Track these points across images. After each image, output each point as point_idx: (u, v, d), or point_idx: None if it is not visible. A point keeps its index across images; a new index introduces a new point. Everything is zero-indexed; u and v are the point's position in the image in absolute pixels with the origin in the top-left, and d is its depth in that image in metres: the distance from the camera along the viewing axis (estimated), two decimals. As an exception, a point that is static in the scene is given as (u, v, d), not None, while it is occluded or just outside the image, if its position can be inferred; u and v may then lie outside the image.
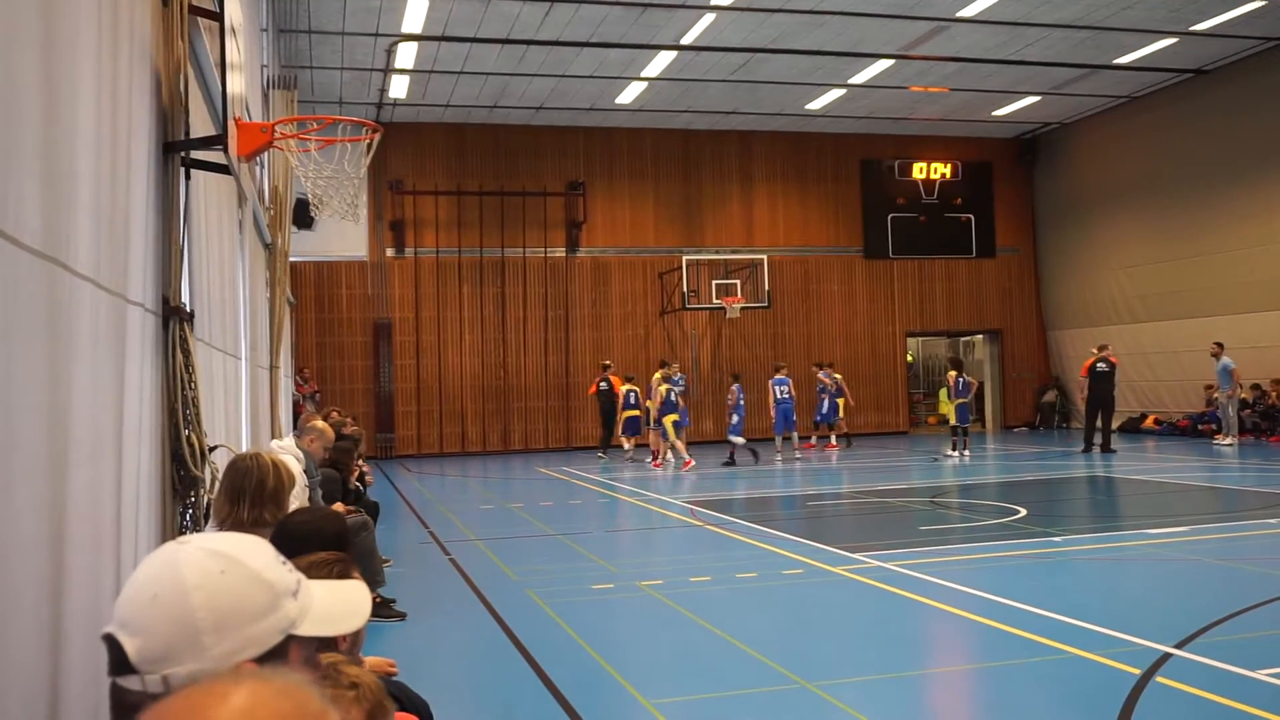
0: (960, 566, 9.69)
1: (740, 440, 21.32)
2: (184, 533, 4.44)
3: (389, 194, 26.17)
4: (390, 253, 26.22)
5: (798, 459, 22.11)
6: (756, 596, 8.77)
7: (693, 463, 20.62)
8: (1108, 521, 12.67)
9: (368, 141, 8.76)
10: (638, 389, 22.91)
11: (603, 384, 24.00)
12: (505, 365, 26.69)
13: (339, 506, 8.52)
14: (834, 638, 7.35)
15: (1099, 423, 20.87)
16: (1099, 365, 21.11)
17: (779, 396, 22.61)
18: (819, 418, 24.25)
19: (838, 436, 24.48)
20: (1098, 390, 20.97)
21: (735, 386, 21.54)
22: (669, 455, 21.48)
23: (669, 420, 20.88)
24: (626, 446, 22.77)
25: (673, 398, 21.08)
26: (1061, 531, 11.59)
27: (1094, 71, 24.46)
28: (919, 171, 29.72)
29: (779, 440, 22.69)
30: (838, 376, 24.37)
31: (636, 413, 22.48)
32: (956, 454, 21.24)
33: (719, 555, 10.78)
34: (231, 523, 4.25)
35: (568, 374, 26.87)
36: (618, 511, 15.45)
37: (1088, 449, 20.35)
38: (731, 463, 21.01)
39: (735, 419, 21.31)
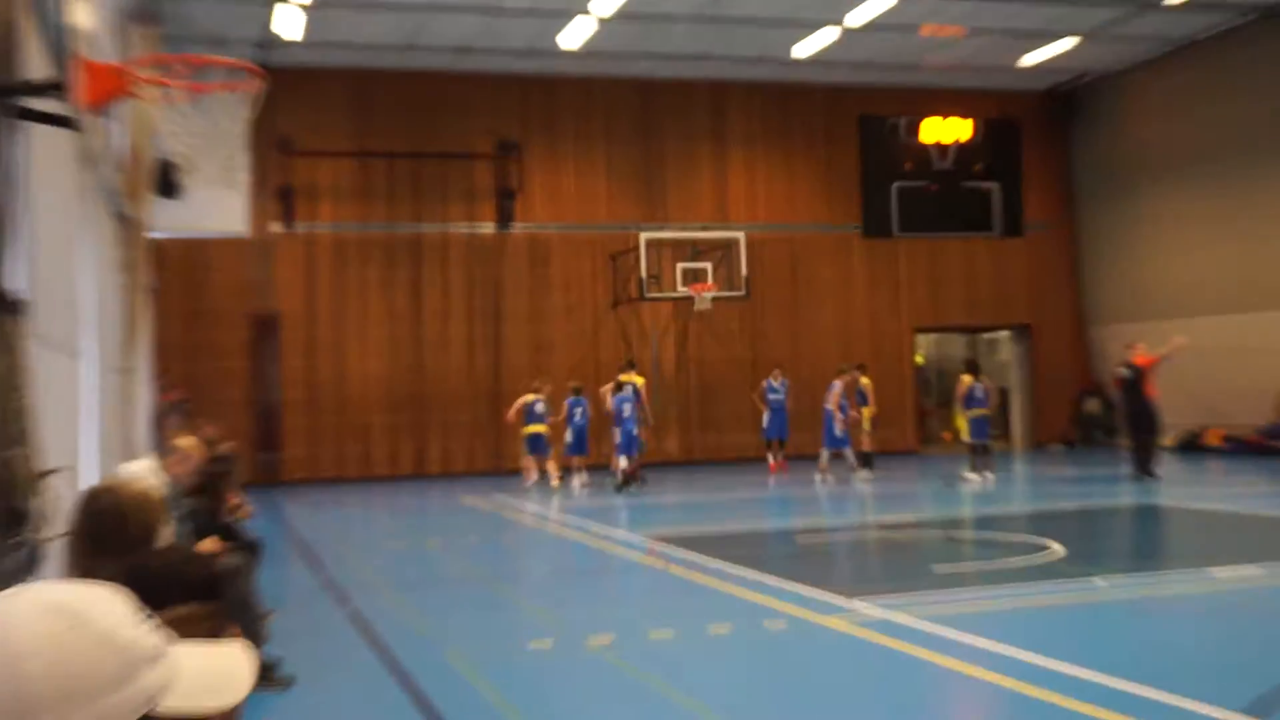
0: (982, 616, 9.73)
1: (623, 462, 21.79)
2: (14, 582, 4.35)
3: (276, 155, 25.92)
4: (277, 228, 26.00)
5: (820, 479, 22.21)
6: (731, 656, 8.75)
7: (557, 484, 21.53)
8: (1162, 560, 12.82)
9: (250, 90, 8.67)
10: (544, 399, 22.99)
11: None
12: (421, 368, 26.55)
13: (209, 545, 8.42)
14: (827, 708, 7.35)
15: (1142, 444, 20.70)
16: (1120, 370, 21.32)
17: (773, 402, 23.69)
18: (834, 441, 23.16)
19: (859, 455, 23.94)
20: (1124, 402, 21.23)
21: (616, 398, 21.86)
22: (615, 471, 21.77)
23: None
24: (529, 478, 23.19)
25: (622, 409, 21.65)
26: (1106, 572, 11.69)
27: (1144, 9, 24.75)
28: (930, 132, 29.95)
29: (824, 456, 22.56)
30: (865, 382, 23.98)
31: (542, 428, 22.62)
32: (977, 477, 21.42)
33: (685, 604, 10.76)
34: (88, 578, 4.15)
35: (499, 379, 26.78)
36: (561, 550, 15.38)
37: (1138, 475, 20.33)
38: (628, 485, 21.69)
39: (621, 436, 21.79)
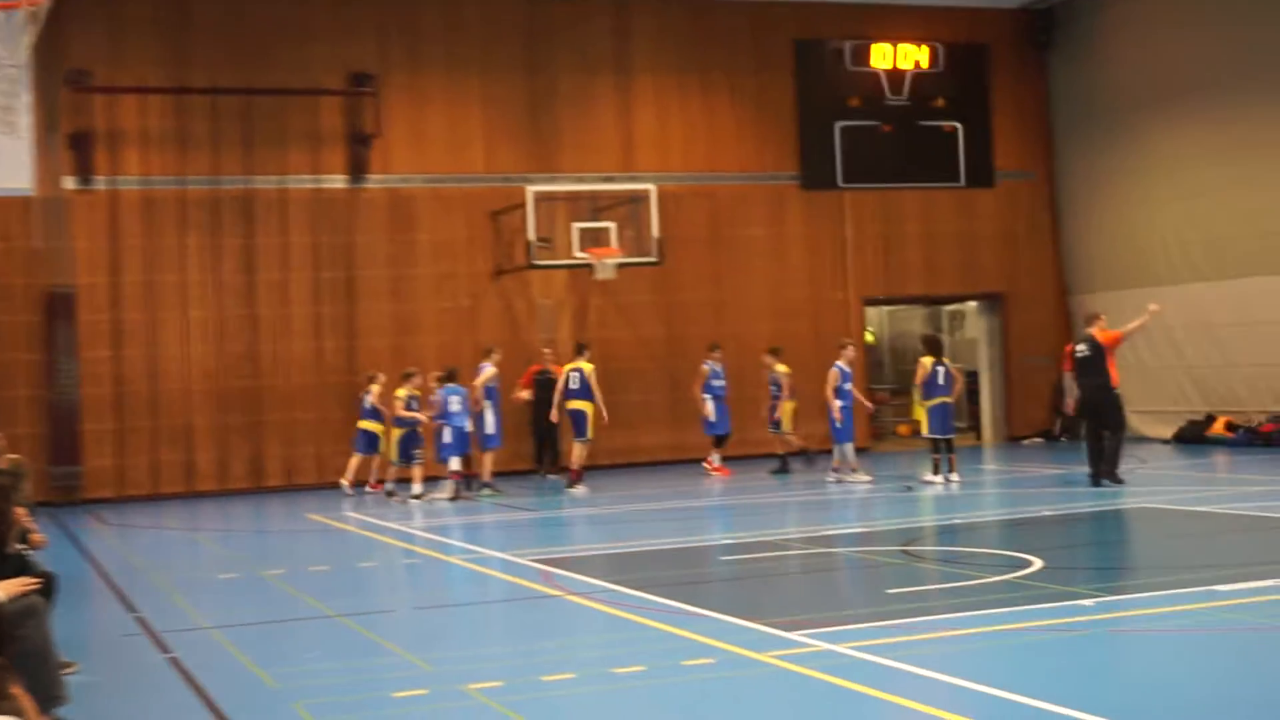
0: (947, 647, 9.83)
1: (454, 464, 22.78)
2: None
3: (67, 93, 25.46)
4: (71, 184, 25.53)
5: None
6: (645, 701, 8.76)
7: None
8: (1160, 575, 13.03)
9: (28, 8, 8.52)
10: (418, 393, 23.55)
11: (540, 376, 25.40)
12: (256, 357, 26.24)
13: (4, 586, 8.29)
14: (762, 761, 7.40)
15: (1107, 441, 20.48)
16: (1079, 349, 20.73)
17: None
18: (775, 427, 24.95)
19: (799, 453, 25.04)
20: (1083, 388, 20.70)
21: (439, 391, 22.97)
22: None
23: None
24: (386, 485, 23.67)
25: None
26: (1094, 591, 11.87)
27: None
28: (881, 58, 30.15)
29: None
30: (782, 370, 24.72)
31: (416, 417, 23.20)
32: (939, 479, 21.63)
33: (588, 640, 10.75)
34: None
35: (353, 368, 26.52)
36: (434, 578, 15.30)
37: (1094, 480, 20.14)
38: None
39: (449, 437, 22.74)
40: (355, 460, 24.30)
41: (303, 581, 14.75)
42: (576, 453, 23.96)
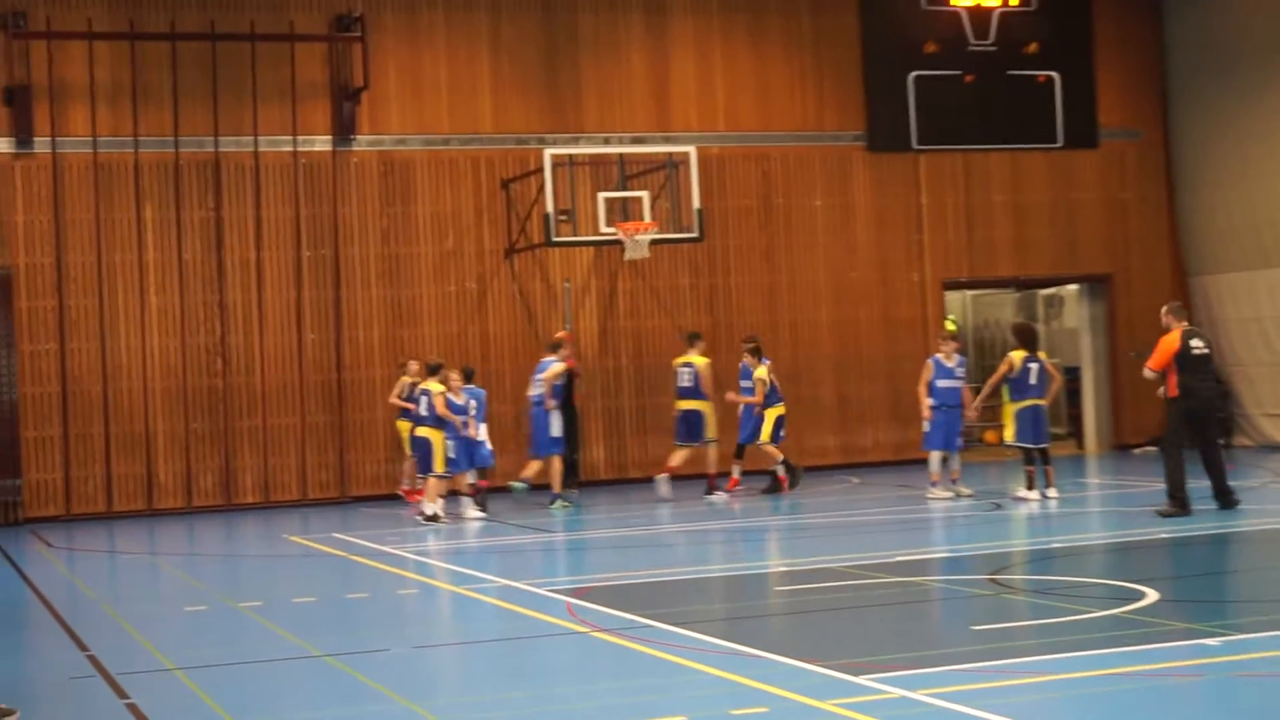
0: (1044, 694, 9.80)
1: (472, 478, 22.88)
2: None
3: (2, 38, 25.52)
4: (5, 146, 25.64)
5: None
6: (688, 759, 8.76)
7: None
8: (1298, 609, 12.95)
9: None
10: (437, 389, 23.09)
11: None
12: (226, 350, 26.33)
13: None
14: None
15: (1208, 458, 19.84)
16: (1191, 344, 19.41)
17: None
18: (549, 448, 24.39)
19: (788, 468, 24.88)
20: (1184, 393, 19.44)
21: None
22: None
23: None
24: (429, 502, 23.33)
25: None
26: (1219, 629, 11.78)
27: None
28: (963, -5, 30.12)
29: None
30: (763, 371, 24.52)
31: (433, 432, 22.53)
32: (1034, 495, 21.57)
33: (619, 684, 10.74)
34: None
35: (340, 365, 26.62)
36: (436, 611, 15.31)
37: (1222, 500, 19.50)
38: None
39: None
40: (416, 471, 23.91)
41: (282, 615, 14.76)
42: (710, 456, 24.57)
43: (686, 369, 24.36)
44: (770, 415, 24.35)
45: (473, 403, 22.74)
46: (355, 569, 18.31)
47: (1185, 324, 19.54)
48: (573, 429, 25.67)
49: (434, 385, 22.43)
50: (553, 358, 23.94)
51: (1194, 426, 19.59)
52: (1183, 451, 19.19)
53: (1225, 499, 19.37)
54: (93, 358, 25.80)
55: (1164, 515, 18.80)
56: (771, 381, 24.38)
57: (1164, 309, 19.94)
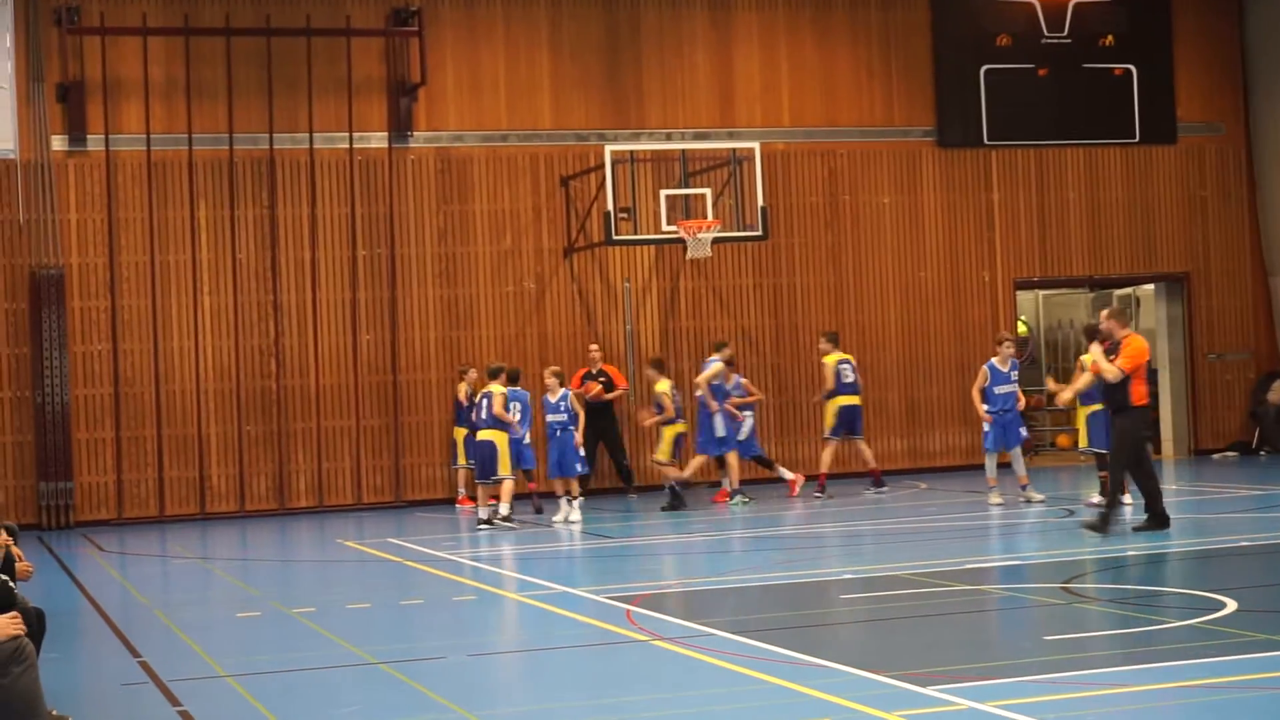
0: (1119, 706, 9.74)
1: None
2: None
3: (57, 34, 25.72)
4: (60, 144, 25.81)
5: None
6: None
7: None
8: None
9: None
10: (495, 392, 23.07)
11: (590, 378, 25.56)
12: (280, 352, 26.43)
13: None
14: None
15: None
16: None
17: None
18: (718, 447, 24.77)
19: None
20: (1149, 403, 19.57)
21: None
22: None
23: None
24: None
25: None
26: (1302, 640, 11.72)
27: None
28: (1037, -13, 29.98)
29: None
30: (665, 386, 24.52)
31: (495, 434, 22.49)
32: (1107, 502, 21.45)
33: (679, 695, 10.73)
34: None
35: (395, 366, 26.69)
36: (492, 618, 15.33)
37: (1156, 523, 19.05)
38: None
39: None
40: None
41: (336, 621, 14.82)
42: (867, 452, 25.51)
43: (846, 365, 25.01)
44: (669, 433, 24.60)
45: (516, 405, 22.83)
46: (410, 574, 18.37)
47: (1132, 329, 19.47)
48: (610, 437, 26.16)
49: (495, 387, 22.50)
50: (715, 356, 24.39)
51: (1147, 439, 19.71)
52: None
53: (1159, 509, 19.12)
54: (145, 359, 25.94)
55: (1140, 530, 18.65)
56: (675, 398, 24.63)
57: (1104, 313, 19.59)
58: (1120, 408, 18.62)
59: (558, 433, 22.75)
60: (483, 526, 22.20)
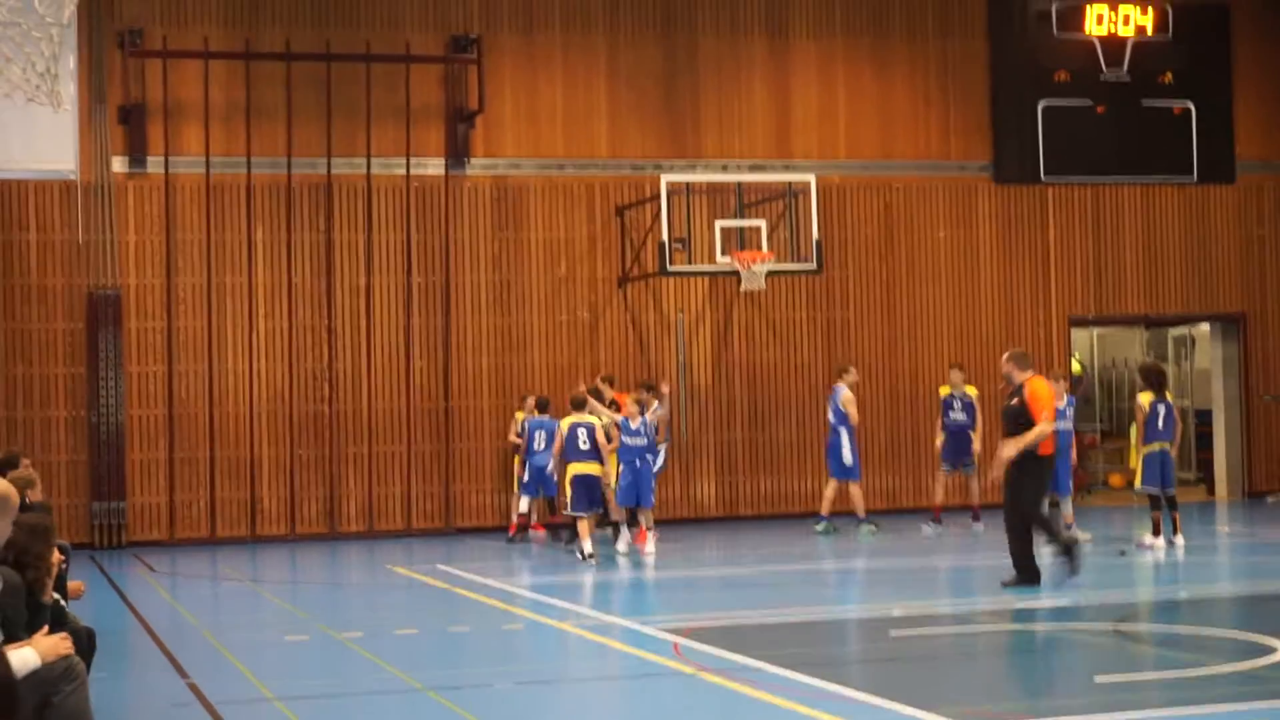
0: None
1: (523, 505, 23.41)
2: None
3: (120, 57, 25.90)
4: (120, 165, 25.98)
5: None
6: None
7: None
8: None
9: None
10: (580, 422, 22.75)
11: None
12: (334, 377, 26.52)
13: (49, 643, 8.42)
14: None
15: None
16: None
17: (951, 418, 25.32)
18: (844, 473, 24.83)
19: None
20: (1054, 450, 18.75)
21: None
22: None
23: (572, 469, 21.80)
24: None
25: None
26: (1354, 686, 11.63)
27: None
28: (1097, 22, 29.86)
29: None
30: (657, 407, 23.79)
31: (594, 466, 22.05)
32: (1160, 543, 21.34)
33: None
34: None
35: (448, 393, 26.75)
36: (540, 646, 15.33)
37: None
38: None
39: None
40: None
41: (384, 646, 14.84)
42: (975, 490, 25.65)
43: (961, 398, 25.16)
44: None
45: (541, 433, 22.97)
46: (459, 601, 18.38)
47: (1033, 372, 18.58)
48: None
49: (593, 417, 22.06)
50: (842, 384, 24.66)
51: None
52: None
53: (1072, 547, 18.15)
54: (200, 380, 26.04)
55: (1009, 585, 17.63)
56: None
57: (1005, 356, 18.99)
58: (1028, 457, 17.65)
59: (636, 461, 22.07)
60: (590, 559, 21.37)
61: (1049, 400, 17.97)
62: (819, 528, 24.37)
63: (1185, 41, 30.19)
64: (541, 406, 23.74)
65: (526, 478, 23.70)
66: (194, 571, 22.24)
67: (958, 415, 24.98)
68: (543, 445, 22.94)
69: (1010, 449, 17.57)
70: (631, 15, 27.97)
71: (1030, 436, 17.43)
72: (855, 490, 24.63)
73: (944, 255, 29.09)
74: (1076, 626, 15.31)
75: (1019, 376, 18.11)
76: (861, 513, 24.46)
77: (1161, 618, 16.09)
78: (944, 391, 25.34)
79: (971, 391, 25.06)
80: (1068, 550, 17.74)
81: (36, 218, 25.58)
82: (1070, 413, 22.72)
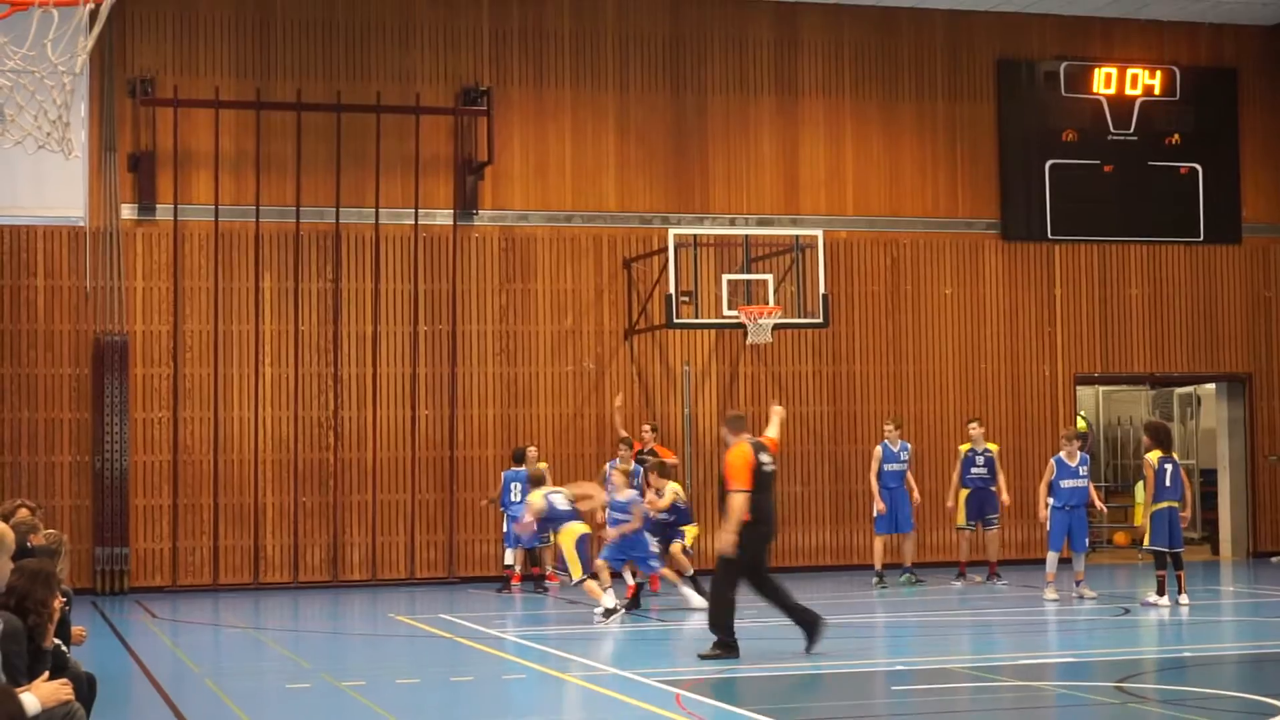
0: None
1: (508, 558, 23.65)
2: None
3: (130, 105, 26.00)
4: (130, 214, 26.06)
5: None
6: None
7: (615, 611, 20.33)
8: None
9: (89, 6, 8.75)
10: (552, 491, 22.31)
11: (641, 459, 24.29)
12: (339, 425, 26.54)
13: (48, 690, 8.41)
14: None
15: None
16: (762, 460, 17.15)
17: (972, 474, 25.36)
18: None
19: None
20: (758, 516, 17.19)
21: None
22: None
23: (568, 535, 20.99)
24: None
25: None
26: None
27: None
28: (1104, 82, 29.96)
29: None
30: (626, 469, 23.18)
31: (582, 529, 21.71)
32: (1165, 601, 21.29)
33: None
34: None
35: (454, 443, 26.75)
36: (542, 697, 15.28)
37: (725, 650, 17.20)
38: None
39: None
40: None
41: (385, 696, 14.77)
42: (994, 548, 25.67)
43: (983, 455, 25.35)
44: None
45: (516, 485, 23.65)
46: (461, 651, 18.33)
47: (748, 435, 17.62)
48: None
49: (561, 489, 21.74)
50: (900, 438, 25.16)
51: (762, 553, 17.60)
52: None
53: (810, 619, 17.38)
54: (205, 427, 26.08)
55: (706, 657, 16.76)
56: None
57: (724, 421, 18.65)
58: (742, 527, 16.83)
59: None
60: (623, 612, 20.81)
61: (745, 468, 16.83)
62: (901, 580, 24.92)
63: (1193, 103, 30.30)
64: (517, 458, 23.99)
65: (505, 529, 24.15)
66: (196, 618, 22.20)
67: (979, 470, 25.00)
68: (518, 497, 23.16)
69: (727, 537, 16.71)
70: (641, 70, 28.09)
71: (732, 520, 16.66)
72: (910, 543, 25.46)
73: (950, 312, 29.10)
74: (1078, 684, 15.25)
75: (731, 440, 17.43)
76: (909, 562, 25.21)
77: (1165, 677, 16.03)
78: (964, 448, 25.39)
79: (993, 447, 25.11)
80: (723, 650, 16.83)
81: (45, 263, 25.66)
82: (1084, 470, 22.74)
